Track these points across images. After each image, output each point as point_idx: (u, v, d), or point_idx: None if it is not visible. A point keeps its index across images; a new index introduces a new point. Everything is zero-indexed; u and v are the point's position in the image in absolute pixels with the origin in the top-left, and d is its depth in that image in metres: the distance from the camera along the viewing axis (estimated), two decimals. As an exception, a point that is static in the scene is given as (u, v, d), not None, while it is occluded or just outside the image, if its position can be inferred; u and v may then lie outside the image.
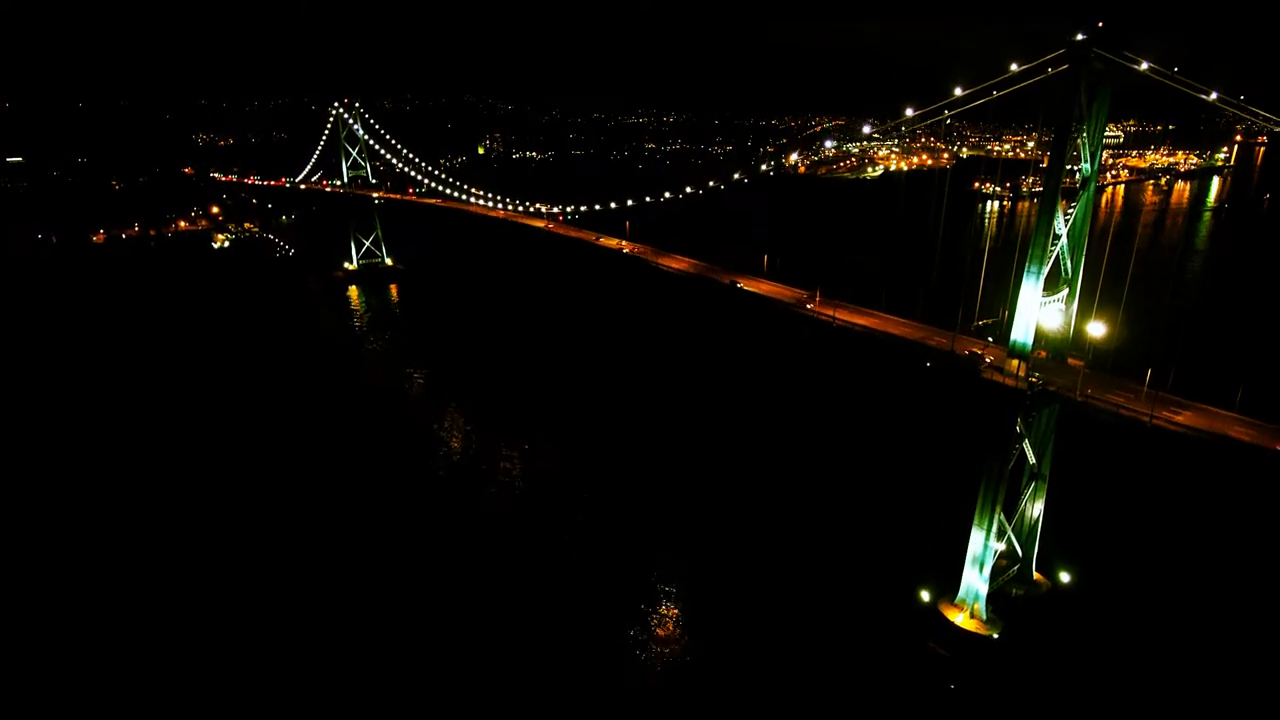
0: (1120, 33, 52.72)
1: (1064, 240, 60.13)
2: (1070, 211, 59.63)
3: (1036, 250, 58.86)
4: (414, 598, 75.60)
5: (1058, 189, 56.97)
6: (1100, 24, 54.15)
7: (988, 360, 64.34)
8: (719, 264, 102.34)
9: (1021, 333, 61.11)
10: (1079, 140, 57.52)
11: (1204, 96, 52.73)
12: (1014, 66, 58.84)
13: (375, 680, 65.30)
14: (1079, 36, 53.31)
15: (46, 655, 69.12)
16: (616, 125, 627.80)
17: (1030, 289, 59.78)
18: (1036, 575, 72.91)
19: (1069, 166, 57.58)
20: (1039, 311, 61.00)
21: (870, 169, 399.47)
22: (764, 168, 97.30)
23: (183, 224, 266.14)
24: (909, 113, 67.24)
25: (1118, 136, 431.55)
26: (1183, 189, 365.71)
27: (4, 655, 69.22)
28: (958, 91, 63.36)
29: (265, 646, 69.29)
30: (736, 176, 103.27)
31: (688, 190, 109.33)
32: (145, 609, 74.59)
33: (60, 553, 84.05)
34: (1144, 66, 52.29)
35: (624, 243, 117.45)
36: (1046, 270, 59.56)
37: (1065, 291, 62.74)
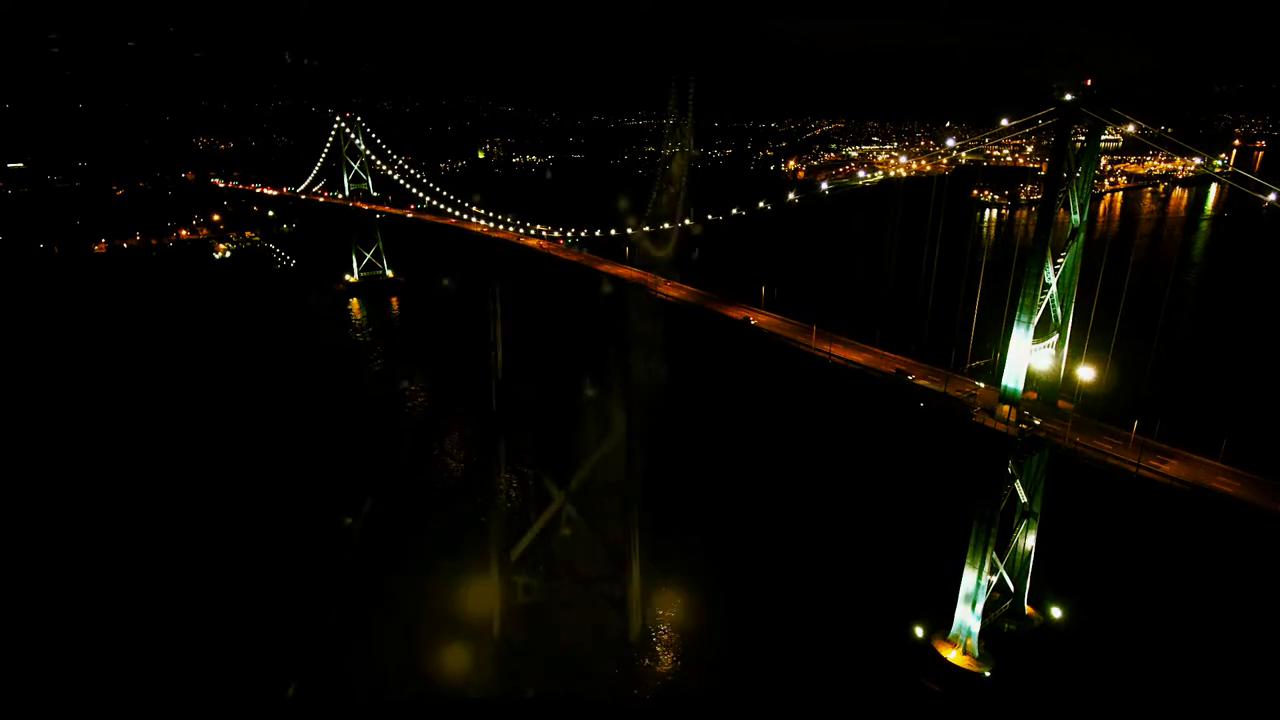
0: (1108, 93, 54.02)
1: (1054, 289, 61.57)
2: (1060, 262, 61.07)
3: (1026, 300, 60.27)
4: (415, 607, 76.91)
5: (1047, 243, 58.36)
6: (1089, 81, 55.58)
7: (979, 404, 65.71)
8: (713, 290, 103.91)
9: (1012, 379, 62.41)
10: (1069, 194, 58.86)
11: (1188, 161, 53.84)
12: (1004, 121, 60.22)
13: (375, 690, 66.52)
14: (1067, 96, 54.54)
15: (46, 655, 70.69)
16: (618, 127, 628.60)
17: (1021, 337, 61.20)
18: (1029, 610, 74.31)
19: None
20: (1030, 357, 62.40)
21: (869, 175, 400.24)
22: (761, 204, 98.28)
23: (184, 233, 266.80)
24: (902, 160, 68.35)
25: (1116, 140, 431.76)
26: (1181, 195, 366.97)
27: (3, 655, 70.76)
28: (950, 142, 64.59)
29: (263, 659, 70.41)
30: (735, 210, 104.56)
31: (686, 222, 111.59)
32: (146, 619, 75.49)
33: (60, 561, 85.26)
34: (1130, 129, 53.63)
35: (623, 268, 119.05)
36: (1036, 319, 60.96)
37: (1055, 337, 64.15)
